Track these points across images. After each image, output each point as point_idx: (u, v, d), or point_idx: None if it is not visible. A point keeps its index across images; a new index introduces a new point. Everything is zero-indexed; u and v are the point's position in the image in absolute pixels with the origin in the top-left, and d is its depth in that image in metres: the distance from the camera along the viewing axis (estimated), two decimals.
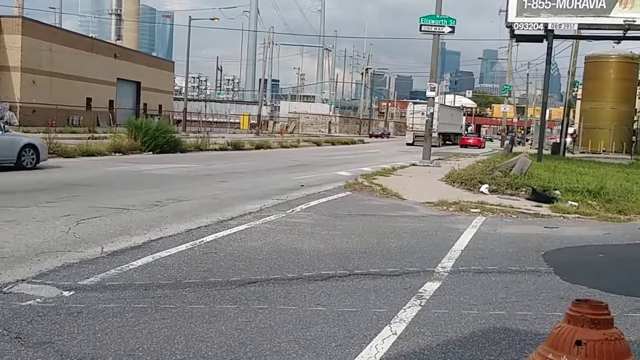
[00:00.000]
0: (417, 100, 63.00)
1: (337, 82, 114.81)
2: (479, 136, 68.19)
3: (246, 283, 5.45)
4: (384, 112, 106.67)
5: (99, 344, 3.87)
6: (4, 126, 15.56)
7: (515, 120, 68.24)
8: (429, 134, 23.38)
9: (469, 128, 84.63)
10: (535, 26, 25.70)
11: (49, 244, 6.63)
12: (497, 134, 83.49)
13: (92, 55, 47.12)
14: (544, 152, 29.52)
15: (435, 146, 40.44)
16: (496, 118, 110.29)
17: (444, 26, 21.76)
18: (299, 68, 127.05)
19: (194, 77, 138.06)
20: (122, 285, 5.23)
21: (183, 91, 64.79)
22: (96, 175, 14.53)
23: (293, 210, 9.97)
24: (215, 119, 68.08)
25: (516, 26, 26.18)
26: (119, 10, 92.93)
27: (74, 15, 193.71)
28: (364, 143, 50.87)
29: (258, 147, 30.91)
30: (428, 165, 21.37)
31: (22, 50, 39.43)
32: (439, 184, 15.23)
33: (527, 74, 70.64)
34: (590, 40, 31.39)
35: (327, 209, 10.40)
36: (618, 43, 29.22)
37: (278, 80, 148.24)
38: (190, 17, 48.43)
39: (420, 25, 21.81)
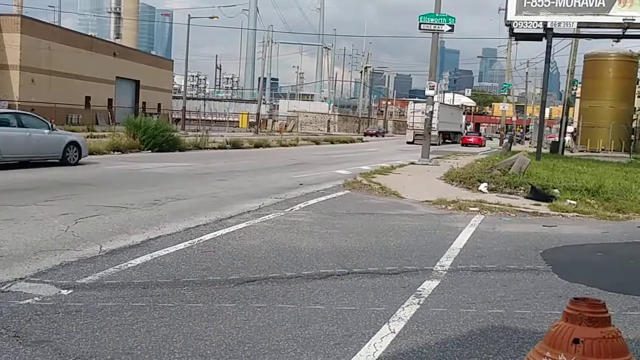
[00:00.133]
0: (417, 99, 62.80)
1: (336, 80, 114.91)
2: (480, 135, 68.16)
3: (245, 282, 5.45)
4: (383, 111, 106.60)
5: (98, 343, 3.87)
6: (52, 125, 15.76)
7: (514, 118, 68.23)
8: (427, 133, 23.38)
9: (468, 127, 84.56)
10: (535, 24, 25.71)
11: (48, 242, 6.63)
12: (497, 133, 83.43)
13: (91, 54, 47.06)
14: (543, 150, 29.51)
15: (435, 145, 40.47)
16: (495, 117, 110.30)
17: (443, 25, 21.73)
18: (298, 67, 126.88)
19: (193, 76, 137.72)
20: (121, 283, 5.23)
21: (182, 90, 64.77)
22: (95, 173, 14.53)
23: (292, 209, 9.98)
24: (214, 118, 67.94)
25: (515, 24, 26.16)
26: (118, 9, 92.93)
27: (73, 13, 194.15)
28: (362, 142, 50.87)
29: (257, 146, 30.88)
30: (427, 164, 21.37)
31: (21, 48, 39.33)
32: (437, 183, 15.23)
33: (527, 73, 70.56)
34: (590, 39, 31.37)
35: (326, 207, 10.40)
36: (617, 41, 29.20)
37: (277, 79, 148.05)
38: (189, 15, 48.44)
39: (420, 24, 21.77)
